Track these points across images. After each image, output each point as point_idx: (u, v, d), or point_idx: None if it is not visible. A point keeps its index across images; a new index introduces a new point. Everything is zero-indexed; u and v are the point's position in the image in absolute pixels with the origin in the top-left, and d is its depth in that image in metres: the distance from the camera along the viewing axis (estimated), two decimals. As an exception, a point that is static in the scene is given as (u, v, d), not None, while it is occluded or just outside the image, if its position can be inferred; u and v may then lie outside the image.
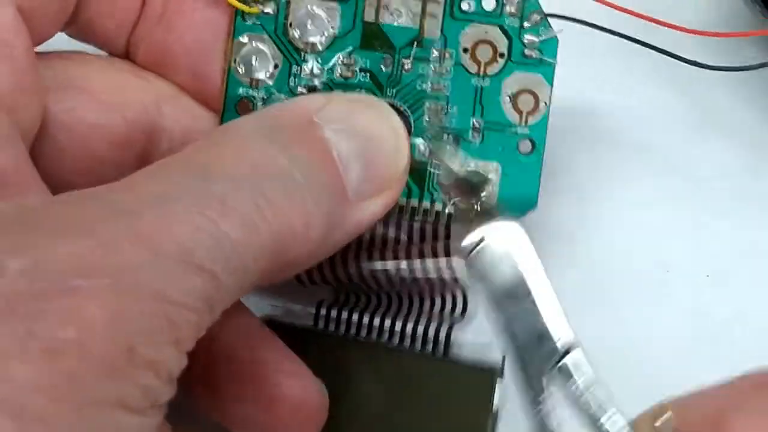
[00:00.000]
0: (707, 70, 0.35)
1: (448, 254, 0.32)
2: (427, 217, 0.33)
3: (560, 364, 0.27)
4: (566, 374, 0.27)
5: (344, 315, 0.34)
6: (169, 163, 0.28)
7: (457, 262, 0.32)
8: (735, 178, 0.38)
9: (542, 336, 0.28)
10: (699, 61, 0.35)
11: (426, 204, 0.33)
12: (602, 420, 0.27)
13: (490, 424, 0.32)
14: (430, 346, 0.33)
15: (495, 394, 0.32)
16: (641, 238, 0.37)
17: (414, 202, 0.33)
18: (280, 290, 0.35)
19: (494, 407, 0.32)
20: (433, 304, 0.33)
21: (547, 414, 0.27)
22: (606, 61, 0.38)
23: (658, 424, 0.26)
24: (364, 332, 0.33)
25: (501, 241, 0.28)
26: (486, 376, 0.32)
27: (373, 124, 0.31)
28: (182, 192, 0.27)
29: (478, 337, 0.32)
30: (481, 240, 0.28)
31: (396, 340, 0.33)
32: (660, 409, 0.26)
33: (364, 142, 0.30)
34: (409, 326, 0.33)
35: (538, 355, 0.27)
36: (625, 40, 0.34)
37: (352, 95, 0.32)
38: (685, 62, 0.34)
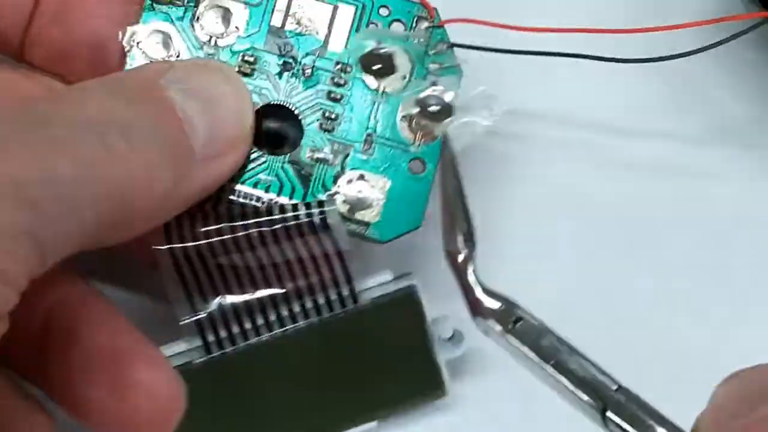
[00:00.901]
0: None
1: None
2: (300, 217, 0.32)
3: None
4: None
5: (235, 328, 0.32)
6: (8, 113, 0.28)
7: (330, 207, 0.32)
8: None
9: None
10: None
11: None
12: None
13: (429, 336, 0.32)
14: (338, 305, 0.32)
15: (423, 305, 0.32)
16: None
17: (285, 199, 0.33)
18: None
19: (427, 321, 0.32)
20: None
21: None
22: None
23: None
24: (265, 331, 0.32)
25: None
26: (407, 294, 0.32)
27: (218, 85, 0.31)
28: (20, 133, 0.26)
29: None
30: None
31: (301, 319, 0.32)
32: None
33: (209, 102, 0.30)
34: (308, 301, 0.32)
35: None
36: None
37: (197, 59, 0.32)
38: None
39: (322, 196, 0.32)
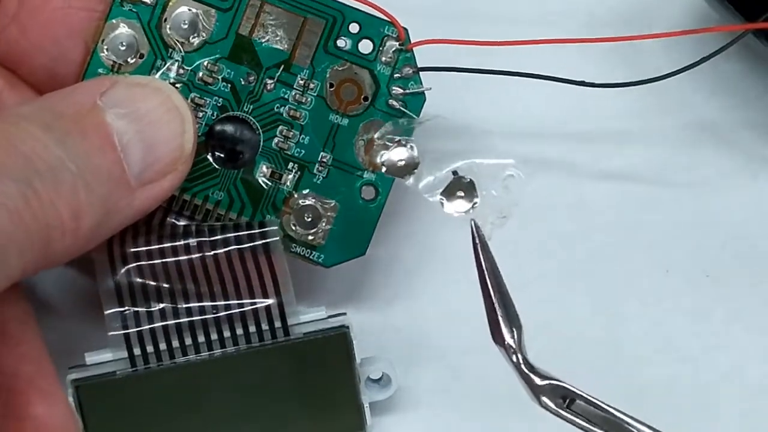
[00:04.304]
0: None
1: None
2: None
3: None
4: None
5: (162, 346, 0.32)
6: None
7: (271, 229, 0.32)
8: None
9: None
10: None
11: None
12: None
13: (356, 378, 0.33)
14: (269, 336, 0.32)
15: (353, 349, 0.32)
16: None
17: (234, 215, 0.33)
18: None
19: (355, 362, 0.32)
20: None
21: None
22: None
23: None
24: (192, 353, 0.32)
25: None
26: (339, 334, 0.32)
27: (158, 108, 0.31)
28: None
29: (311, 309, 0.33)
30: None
31: (230, 345, 0.32)
32: None
33: (146, 126, 0.30)
34: (239, 328, 0.32)
35: None
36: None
37: (139, 78, 0.32)
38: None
39: (269, 218, 0.33)
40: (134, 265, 0.32)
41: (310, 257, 0.33)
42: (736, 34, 0.35)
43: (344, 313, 0.32)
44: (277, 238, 0.32)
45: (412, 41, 0.33)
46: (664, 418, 0.30)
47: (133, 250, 0.32)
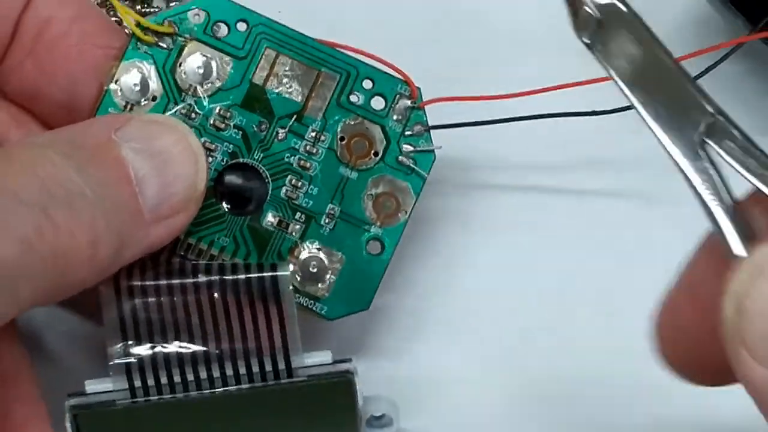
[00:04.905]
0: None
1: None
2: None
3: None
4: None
5: (164, 379, 0.31)
6: None
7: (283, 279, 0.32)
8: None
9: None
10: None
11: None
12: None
13: (359, 424, 0.32)
14: (272, 377, 0.32)
15: (357, 396, 0.32)
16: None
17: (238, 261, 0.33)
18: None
19: (359, 408, 0.32)
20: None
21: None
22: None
23: None
24: (193, 388, 0.31)
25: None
26: (344, 381, 0.32)
27: (172, 145, 0.31)
28: None
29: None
30: None
31: (232, 383, 0.32)
32: None
33: (162, 162, 0.30)
34: (242, 367, 0.31)
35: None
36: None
37: (155, 116, 0.32)
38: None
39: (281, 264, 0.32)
40: (140, 298, 0.31)
41: (314, 309, 0.33)
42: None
43: (350, 359, 0.32)
44: (288, 280, 0.32)
45: (424, 99, 0.33)
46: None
47: (139, 283, 0.31)
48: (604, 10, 0.25)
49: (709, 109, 0.25)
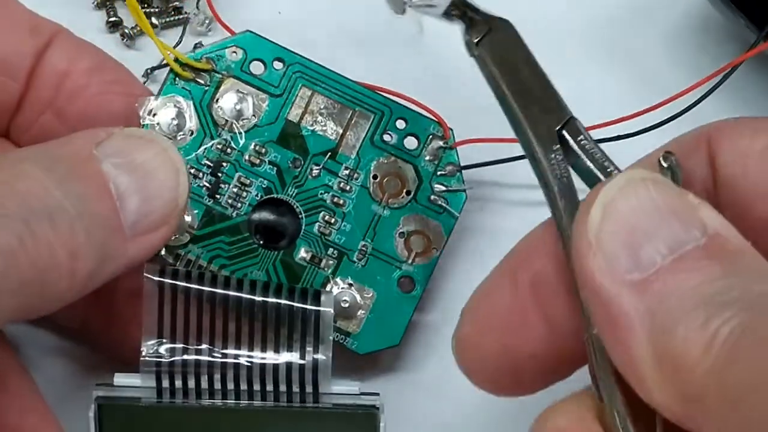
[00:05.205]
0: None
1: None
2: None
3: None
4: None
5: (191, 383, 0.31)
6: None
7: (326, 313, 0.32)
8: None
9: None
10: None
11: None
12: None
13: None
14: (297, 398, 0.31)
15: (381, 427, 0.31)
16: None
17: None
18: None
19: None
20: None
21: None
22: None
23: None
24: (218, 398, 0.31)
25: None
26: (369, 414, 0.31)
27: (153, 159, 0.30)
28: None
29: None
30: None
31: (257, 399, 0.31)
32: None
33: (143, 177, 0.30)
34: (270, 383, 0.31)
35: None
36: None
37: (135, 129, 0.31)
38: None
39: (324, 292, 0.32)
40: (183, 300, 0.31)
41: (344, 344, 0.33)
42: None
43: (377, 394, 0.32)
44: (331, 314, 0.32)
45: (456, 140, 0.34)
46: None
47: (184, 284, 0.31)
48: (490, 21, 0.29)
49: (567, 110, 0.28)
